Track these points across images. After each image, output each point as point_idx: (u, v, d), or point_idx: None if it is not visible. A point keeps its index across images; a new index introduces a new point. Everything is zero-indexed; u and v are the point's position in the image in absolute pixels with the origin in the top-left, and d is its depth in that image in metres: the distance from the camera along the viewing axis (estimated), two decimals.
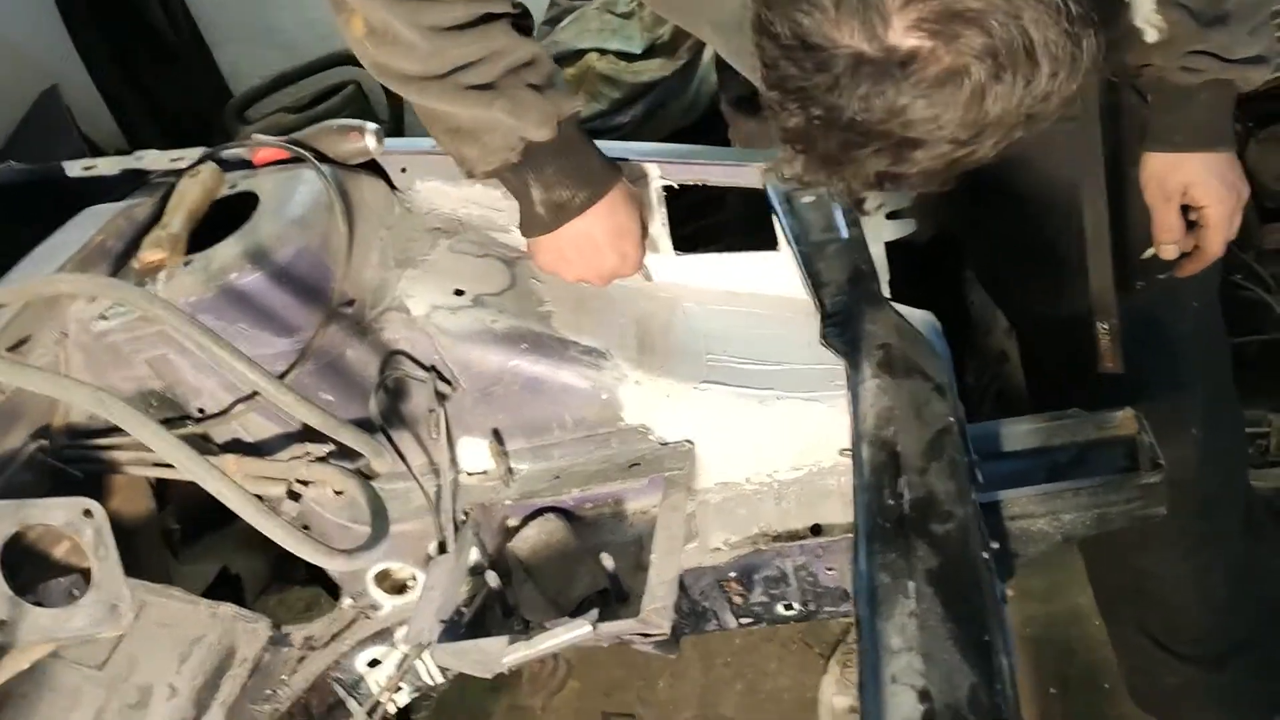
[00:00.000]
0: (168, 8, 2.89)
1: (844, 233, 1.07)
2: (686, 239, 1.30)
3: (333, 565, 0.95)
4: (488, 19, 1.05)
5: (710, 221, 1.50)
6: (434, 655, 1.08)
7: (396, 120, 2.50)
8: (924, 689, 0.62)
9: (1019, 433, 1.16)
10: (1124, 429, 1.13)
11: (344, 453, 1.15)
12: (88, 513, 1.02)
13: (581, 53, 2.17)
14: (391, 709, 1.33)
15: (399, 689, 1.31)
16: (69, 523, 1.01)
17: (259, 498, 0.95)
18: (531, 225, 1.14)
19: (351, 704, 1.32)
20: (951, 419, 0.83)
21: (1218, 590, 1.57)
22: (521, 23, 1.10)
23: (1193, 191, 1.26)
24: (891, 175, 0.80)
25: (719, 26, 1.17)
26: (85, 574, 1.05)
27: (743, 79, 1.50)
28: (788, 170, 0.86)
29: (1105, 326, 1.33)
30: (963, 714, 0.61)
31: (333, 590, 1.49)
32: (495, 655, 1.03)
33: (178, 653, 1.24)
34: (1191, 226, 1.28)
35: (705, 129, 2.09)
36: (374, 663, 1.32)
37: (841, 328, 0.94)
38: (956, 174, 0.81)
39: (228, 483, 0.90)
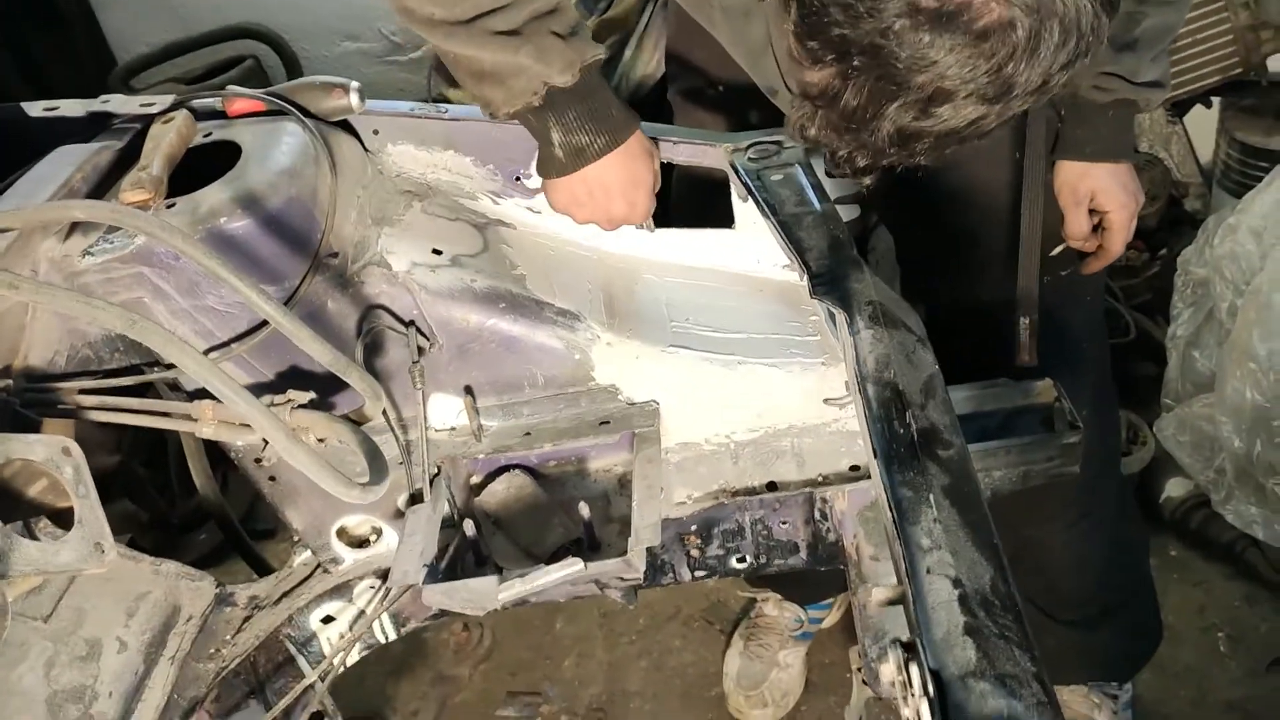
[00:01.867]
0: None
1: (817, 206, 1.16)
2: None
3: (350, 497, 0.96)
4: None
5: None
6: (424, 596, 1.10)
7: None
8: (955, 578, 0.71)
9: (953, 400, 1.27)
10: (1043, 397, 1.26)
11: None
12: (66, 451, 1.00)
13: None
14: (341, 668, 1.33)
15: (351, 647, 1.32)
16: (49, 459, 0.99)
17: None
18: (549, 167, 1.17)
19: (301, 662, 1.32)
20: (936, 367, 0.93)
21: (1095, 560, 1.75)
22: None
23: (1099, 197, 1.42)
24: (908, 134, 0.88)
25: (728, 11, 1.24)
26: (59, 513, 1.03)
27: (694, 69, 1.59)
28: (801, 131, 0.93)
29: (1026, 321, 1.47)
30: (987, 597, 0.71)
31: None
32: (488, 593, 1.07)
33: (124, 608, 1.22)
34: (1095, 229, 1.44)
35: None
36: (328, 619, 1.32)
37: (828, 287, 1.03)
38: (958, 144, 0.90)
39: (262, 409, 0.91)
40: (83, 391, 1.12)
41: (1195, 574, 2.16)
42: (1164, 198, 2.58)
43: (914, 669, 0.65)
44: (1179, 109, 2.49)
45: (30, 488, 1.01)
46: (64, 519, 1.02)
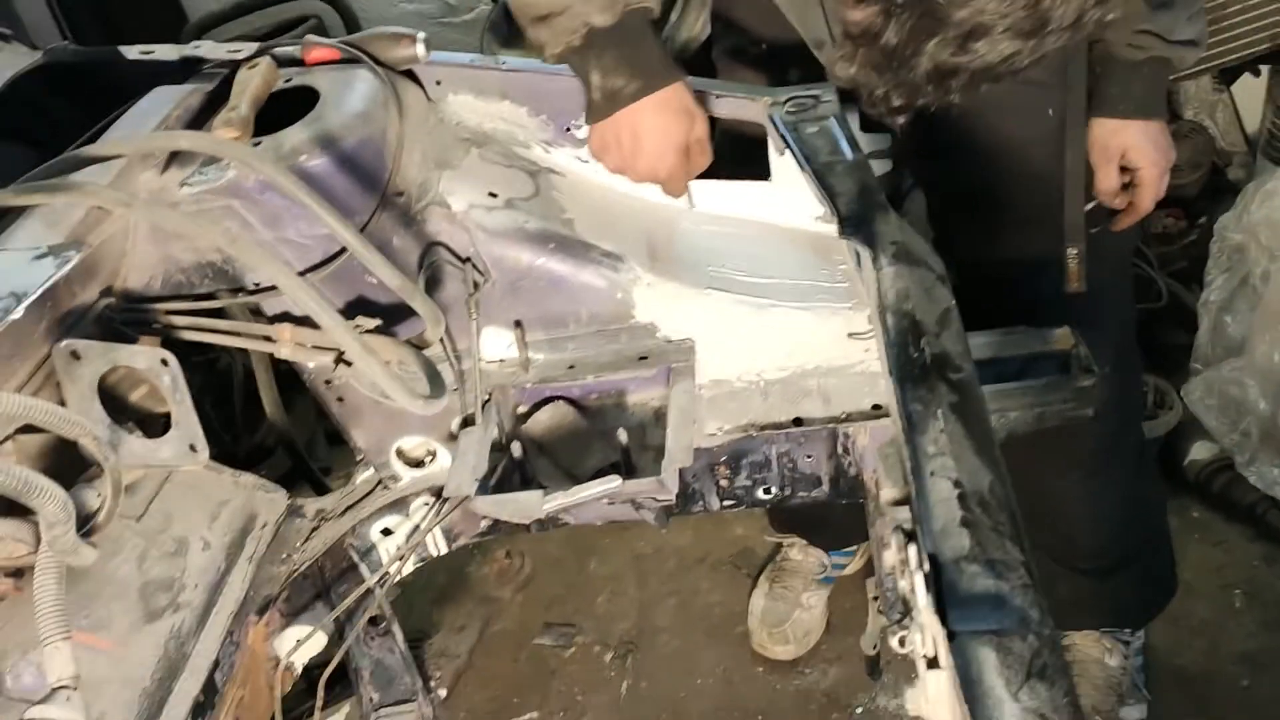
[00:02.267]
0: None
1: (849, 156, 1.24)
2: None
3: (414, 407, 1.06)
4: None
5: None
6: (476, 505, 1.20)
7: None
8: (956, 479, 0.80)
9: (973, 345, 1.35)
10: (1061, 343, 1.34)
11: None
12: (165, 361, 1.11)
13: None
14: (398, 577, 1.45)
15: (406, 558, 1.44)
16: (149, 367, 1.10)
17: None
18: (590, 111, 1.25)
19: (363, 569, 1.43)
20: (952, 301, 1.01)
21: (1111, 513, 1.83)
22: None
23: (1130, 154, 1.48)
24: (945, 71, 0.94)
25: None
26: (157, 419, 1.15)
27: (738, 28, 1.67)
28: (842, 70, 1.00)
29: (1074, 251, 1.54)
30: (984, 497, 0.79)
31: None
32: (535, 504, 1.17)
33: (207, 512, 1.34)
34: (1127, 186, 1.51)
35: None
36: (386, 532, 1.43)
37: (856, 228, 1.11)
38: (991, 81, 0.96)
39: (343, 322, 1.01)
40: (173, 313, 1.23)
41: (1216, 534, 2.23)
42: (1206, 166, 2.58)
43: (912, 548, 0.74)
44: (1226, 77, 2.49)
45: (132, 394, 1.13)
46: (154, 427, 1.14)
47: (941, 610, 0.70)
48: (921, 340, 0.94)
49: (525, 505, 1.18)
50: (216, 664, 1.16)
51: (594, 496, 1.17)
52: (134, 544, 1.26)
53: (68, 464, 1.00)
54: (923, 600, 0.70)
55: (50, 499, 0.84)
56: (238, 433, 2.33)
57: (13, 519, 0.91)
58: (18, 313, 0.80)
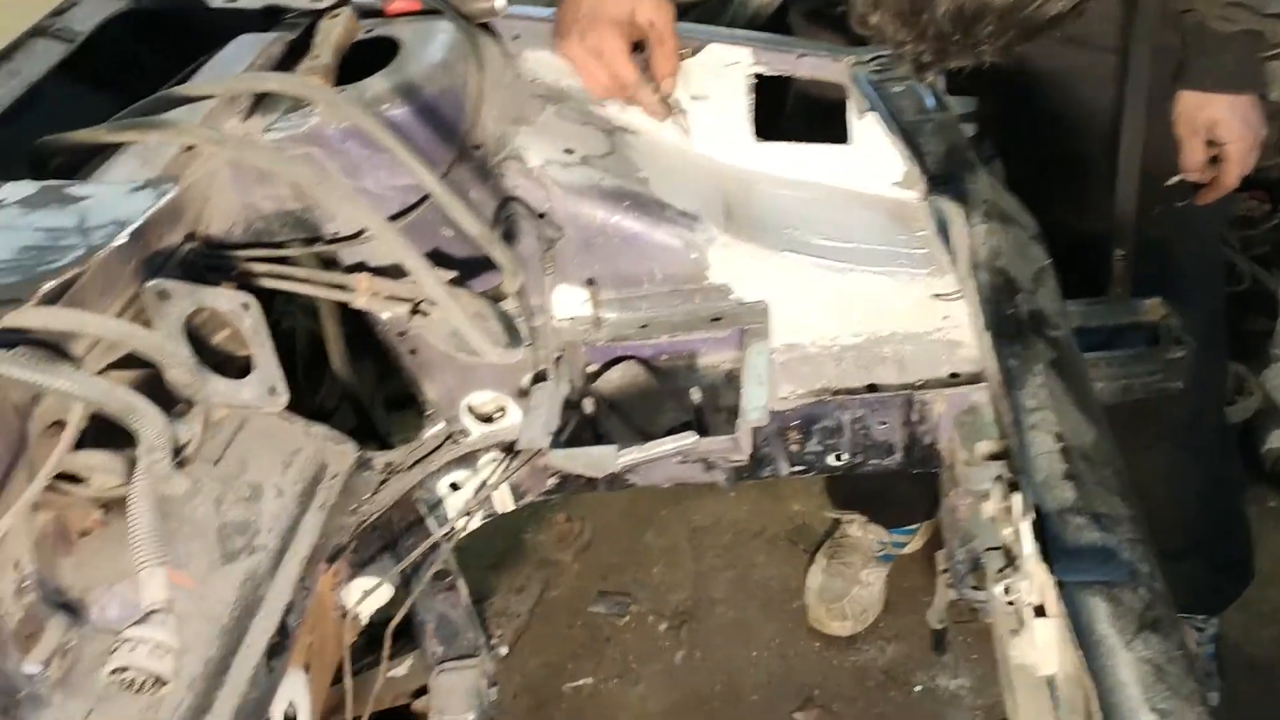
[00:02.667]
0: None
1: (936, 115, 1.22)
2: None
3: (492, 355, 1.06)
4: None
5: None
6: (550, 459, 1.20)
7: None
8: (1059, 433, 0.78)
9: None
10: (1151, 314, 1.30)
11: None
12: (246, 305, 1.12)
13: None
14: (464, 532, 1.46)
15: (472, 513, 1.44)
16: (232, 310, 1.11)
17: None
18: None
19: (430, 523, 1.44)
20: (1048, 261, 0.98)
21: (1190, 494, 1.78)
22: None
23: (1217, 129, 1.44)
24: (968, 15, 0.90)
25: None
26: (234, 364, 1.16)
27: None
28: (866, 18, 0.96)
29: (1121, 253, 1.51)
30: (1088, 452, 0.77)
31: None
32: (609, 458, 1.17)
33: (281, 460, 1.34)
34: (1214, 161, 1.46)
35: None
36: (454, 486, 1.44)
37: (946, 186, 1.09)
38: (1023, 35, 0.92)
39: (428, 266, 1.01)
40: (253, 260, 1.24)
41: None
42: None
43: (1016, 496, 0.72)
44: None
45: (215, 336, 1.14)
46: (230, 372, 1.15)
47: (1047, 559, 0.68)
48: (1017, 297, 0.91)
49: (599, 459, 1.17)
50: (290, 608, 1.17)
51: (669, 452, 1.16)
52: (211, 487, 1.27)
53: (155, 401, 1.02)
54: (1029, 549, 0.69)
55: (152, 423, 0.85)
56: (300, 393, 2.36)
57: (105, 451, 0.93)
58: (122, 237, 0.80)
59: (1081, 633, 0.63)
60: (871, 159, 1.38)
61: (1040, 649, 0.67)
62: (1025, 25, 0.92)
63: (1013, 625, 0.73)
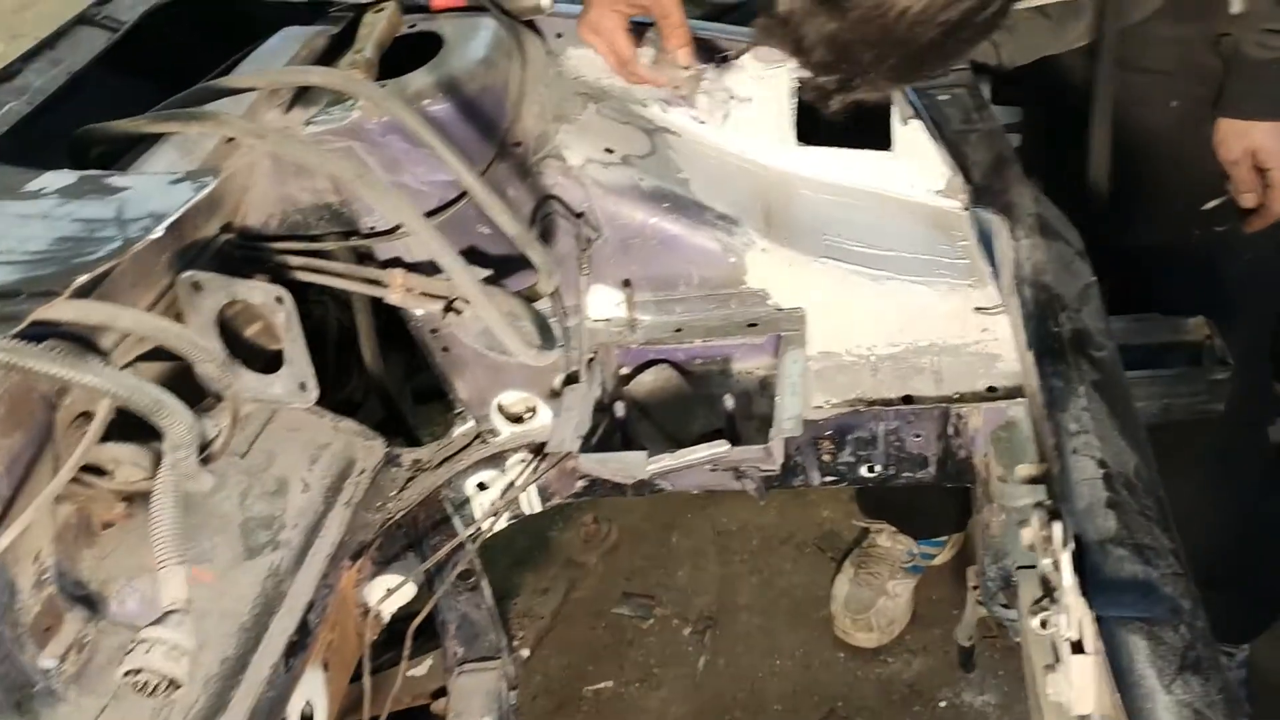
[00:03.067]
0: None
1: (981, 125, 1.19)
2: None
3: (526, 356, 1.05)
4: None
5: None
6: (580, 463, 1.19)
7: None
8: (1101, 459, 0.76)
9: None
10: (1195, 334, 1.27)
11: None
12: (280, 299, 1.12)
13: None
14: (490, 533, 1.45)
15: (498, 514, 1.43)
16: (266, 303, 1.10)
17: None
18: None
19: (456, 522, 1.43)
20: (1094, 278, 0.96)
21: (1229, 520, 1.74)
22: None
23: (1260, 155, 1.41)
24: (840, 46, 0.85)
25: None
26: (264, 358, 1.15)
27: None
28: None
29: None
30: (1130, 479, 0.75)
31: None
32: (639, 464, 1.15)
33: (308, 455, 1.34)
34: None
35: None
36: (481, 486, 1.43)
37: (991, 198, 1.07)
38: (903, 61, 0.87)
39: (463, 264, 1.00)
40: (289, 253, 1.24)
41: None
42: None
43: (1057, 526, 0.70)
44: None
45: (247, 329, 1.13)
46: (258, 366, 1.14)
47: (1086, 593, 0.66)
48: (1061, 315, 0.89)
49: (629, 465, 1.16)
50: (311, 605, 1.16)
51: (700, 460, 1.15)
52: (238, 480, 1.27)
53: (183, 396, 1.01)
54: (1068, 581, 0.66)
55: (179, 420, 0.85)
56: (329, 386, 2.37)
57: (133, 444, 0.92)
58: (158, 231, 0.80)
59: (1120, 672, 0.61)
60: (914, 166, 1.36)
61: (1076, 687, 0.65)
62: (906, 54, 0.88)
63: (1048, 659, 0.71)
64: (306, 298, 1.32)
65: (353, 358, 1.50)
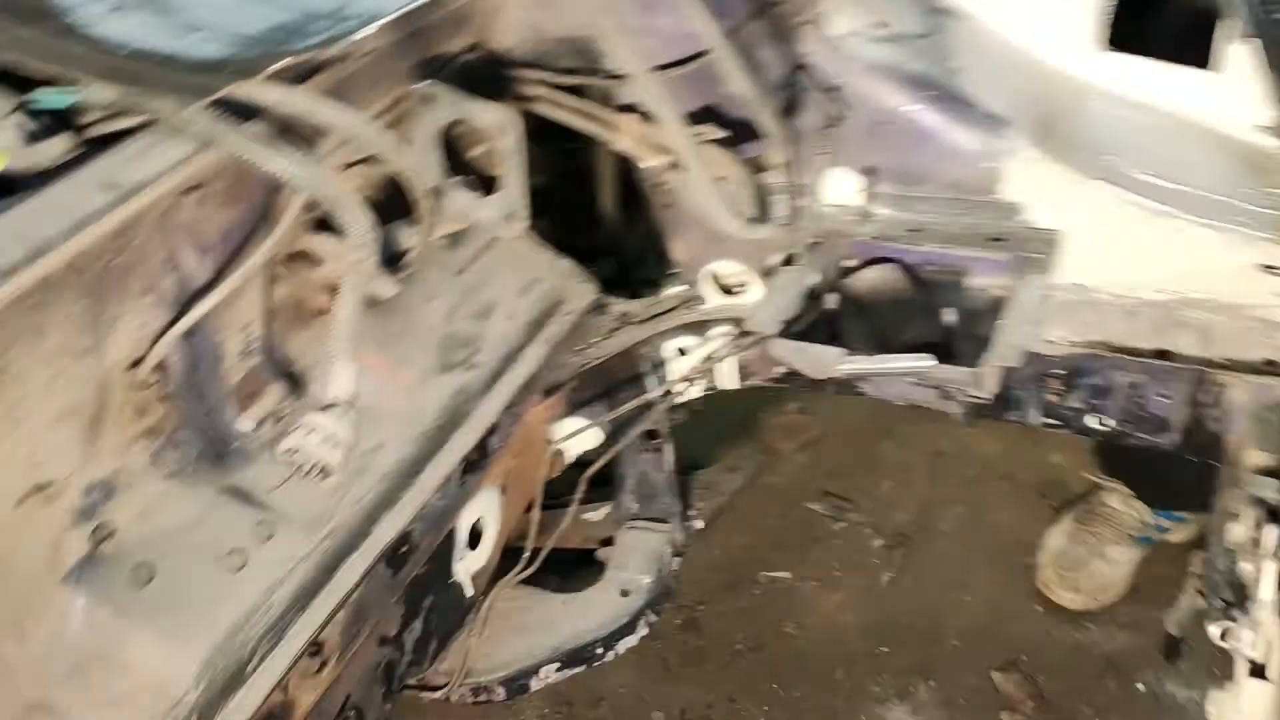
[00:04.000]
0: None
1: None
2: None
3: (731, 228, 1.01)
4: None
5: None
6: (774, 348, 1.14)
7: None
8: None
9: None
10: None
11: None
12: (509, 124, 1.11)
13: None
14: (681, 398, 1.43)
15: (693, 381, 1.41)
16: (494, 125, 1.10)
17: None
18: None
19: (650, 381, 1.43)
20: None
21: None
22: None
23: None
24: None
25: None
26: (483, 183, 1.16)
27: None
28: None
29: None
30: None
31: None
32: (830, 360, 1.09)
33: (519, 285, 1.36)
34: None
35: None
36: (681, 351, 1.41)
37: None
38: None
39: (681, 125, 0.95)
40: (530, 81, 1.23)
41: None
42: None
43: (1272, 530, 0.59)
44: None
45: (470, 150, 1.14)
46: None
47: None
48: None
49: (820, 360, 1.10)
50: (493, 429, 1.20)
51: (897, 371, 1.07)
52: (449, 296, 1.31)
53: (395, 207, 1.04)
54: (1267, 594, 0.56)
55: (357, 222, 0.86)
56: (570, 230, 2.40)
57: (339, 237, 0.96)
58: (369, 29, 0.80)
59: None
60: (1237, 91, 1.16)
61: (1246, 716, 0.55)
62: None
63: (1211, 672, 0.61)
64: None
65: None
